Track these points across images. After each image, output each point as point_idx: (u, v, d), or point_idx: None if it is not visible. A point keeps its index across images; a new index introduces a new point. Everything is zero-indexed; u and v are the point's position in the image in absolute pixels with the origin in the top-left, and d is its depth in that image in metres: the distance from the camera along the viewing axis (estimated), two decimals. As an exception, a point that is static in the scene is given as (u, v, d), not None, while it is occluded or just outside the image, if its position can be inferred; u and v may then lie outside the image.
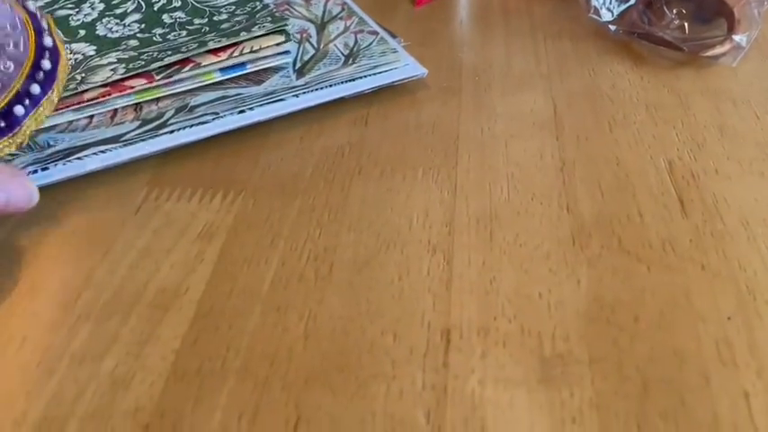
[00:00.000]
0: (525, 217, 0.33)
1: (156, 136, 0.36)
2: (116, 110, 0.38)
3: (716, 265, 0.30)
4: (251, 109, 0.38)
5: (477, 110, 0.41)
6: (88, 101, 0.36)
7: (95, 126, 0.37)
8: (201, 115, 0.37)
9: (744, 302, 0.28)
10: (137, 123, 0.37)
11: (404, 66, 0.41)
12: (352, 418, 0.25)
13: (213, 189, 0.35)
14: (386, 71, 0.41)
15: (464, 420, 0.24)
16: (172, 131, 0.36)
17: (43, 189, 0.34)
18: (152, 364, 0.27)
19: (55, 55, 0.33)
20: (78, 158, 0.35)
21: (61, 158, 0.35)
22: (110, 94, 0.37)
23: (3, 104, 0.31)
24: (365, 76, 0.40)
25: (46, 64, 0.32)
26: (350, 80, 0.40)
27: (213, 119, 0.37)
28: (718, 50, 0.43)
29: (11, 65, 0.31)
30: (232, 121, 0.37)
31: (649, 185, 0.34)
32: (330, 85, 0.40)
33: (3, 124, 0.31)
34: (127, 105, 0.38)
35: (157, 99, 0.38)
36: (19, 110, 0.31)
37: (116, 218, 0.34)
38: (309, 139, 0.39)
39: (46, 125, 0.36)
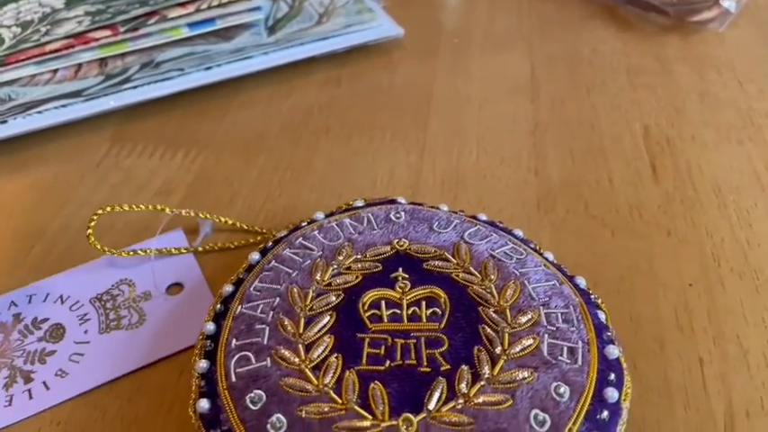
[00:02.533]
0: (492, 180, 0.32)
1: (120, 91, 0.35)
2: (80, 65, 0.37)
3: (683, 231, 0.29)
4: (218, 66, 0.37)
5: (453, 72, 0.40)
6: (51, 52, 0.35)
7: (58, 81, 0.36)
8: (167, 71, 0.36)
9: (707, 269, 0.27)
10: (100, 78, 0.36)
11: (379, 26, 0.40)
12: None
13: (175, 146, 0.34)
14: (360, 30, 0.40)
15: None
16: (136, 87, 0.36)
17: (2, 142, 0.34)
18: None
19: (620, 374, 0.21)
20: (39, 112, 0.34)
21: (21, 112, 0.34)
22: (73, 47, 0.36)
23: None
24: (338, 36, 0.39)
25: (611, 393, 0.20)
26: (322, 39, 0.39)
27: (179, 75, 0.36)
28: (705, 16, 0.41)
29: (565, 391, 0.20)
30: (198, 78, 0.36)
31: (622, 151, 0.33)
32: (302, 44, 0.39)
33: None
34: (92, 61, 0.37)
35: (123, 54, 0.37)
36: None
37: (75, 172, 0.33)
38: (278, 99, 0.38)
39: (6, 79, 0.35)
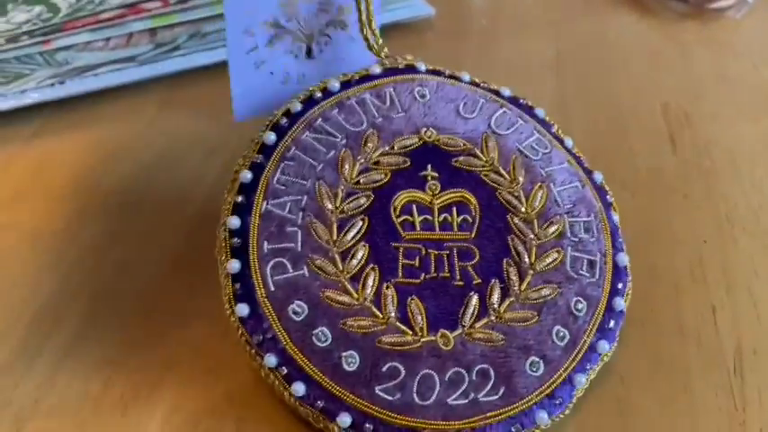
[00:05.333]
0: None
1: (170, 57, 0.38)
2: (131, 34, 0.39)
3: (699, 196, 0.31)
4: (262, 38, 0.39)
5: (481, 53, 0.42)
6: (105, 20, 0.38)
7: (112, 48, 0.38)
8: (214, 41, 0.39)
9: (721, 229, 0.29)
10: (151, 46, 0.38)
11: (409, 5, 0.42)
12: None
13: (226, 110, 0.37)
14: (391, 9, 0.42)
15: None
16: (184, 54, 0.38)
17: (61, 102, 0.36)
18: (155, 257, 0.28)
19: (625, 280, 0.23)
20: (95, 74, 0.37)
21: (78, 74, 0.36)
22: (125, 16, 0.38)
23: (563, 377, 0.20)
24: (373, 14, 0.41)
25: (618, 302, 0.22)
26: (357, 16, 0.41)
27: (224, 45, 0.39)
28: (723, 3, 0.43)
29: (583, 306, 0.21)
30: (243, 48, 0.39)
31: (642, 125, 0.35)
32: (338, 20, 0.41)
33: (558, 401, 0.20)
34: (142, 31, 0.39)
35: (172, 26, 0.40)
36: (579, 379, 0.21)
37: (128, 132, 0.35)
38: (316, 71, 0.40)
39: (63, 45, 0.38)
